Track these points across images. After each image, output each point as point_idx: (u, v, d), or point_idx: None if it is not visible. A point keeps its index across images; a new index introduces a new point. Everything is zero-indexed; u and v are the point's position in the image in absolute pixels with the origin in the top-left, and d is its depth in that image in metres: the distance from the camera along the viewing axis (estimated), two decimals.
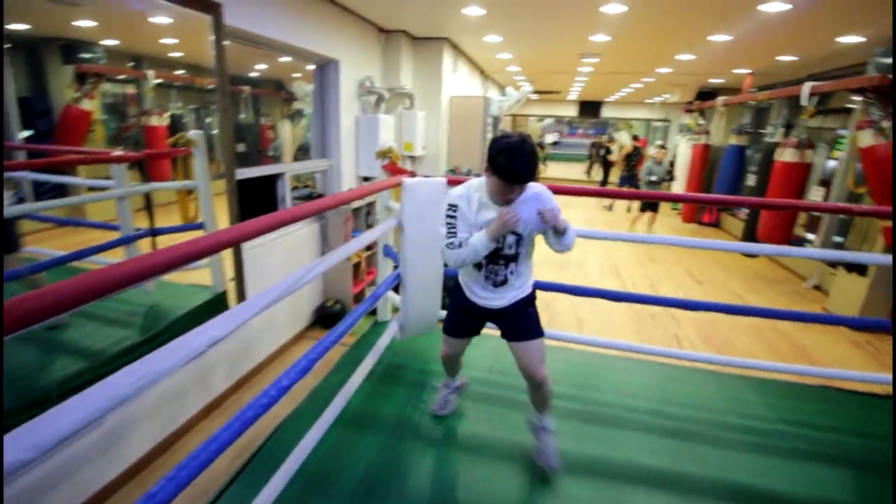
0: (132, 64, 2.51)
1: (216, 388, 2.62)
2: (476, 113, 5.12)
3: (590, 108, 14.73)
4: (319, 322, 3.66)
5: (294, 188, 3.80)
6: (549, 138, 18.15)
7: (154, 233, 2.51)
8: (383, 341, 2.37)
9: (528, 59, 6.02)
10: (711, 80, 7.53)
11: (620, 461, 1.75)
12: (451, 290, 1.72)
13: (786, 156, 4.85)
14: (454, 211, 1.48)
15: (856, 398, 2.34)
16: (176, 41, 2.62)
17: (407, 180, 2.30)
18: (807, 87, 4.57)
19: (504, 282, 1.58)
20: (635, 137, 11.81)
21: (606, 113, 14.98)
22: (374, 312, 3.08)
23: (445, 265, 1.99)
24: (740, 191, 6.67)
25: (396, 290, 2.66)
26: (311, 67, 3.60)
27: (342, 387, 1.90)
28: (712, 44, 4.40)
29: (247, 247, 2.72)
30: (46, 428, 0.70)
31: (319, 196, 3.72)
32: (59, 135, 2.18)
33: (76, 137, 2.27)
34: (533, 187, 1.49)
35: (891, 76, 3.64)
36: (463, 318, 1.73)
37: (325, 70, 3.61)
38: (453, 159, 5.32)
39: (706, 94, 8.23)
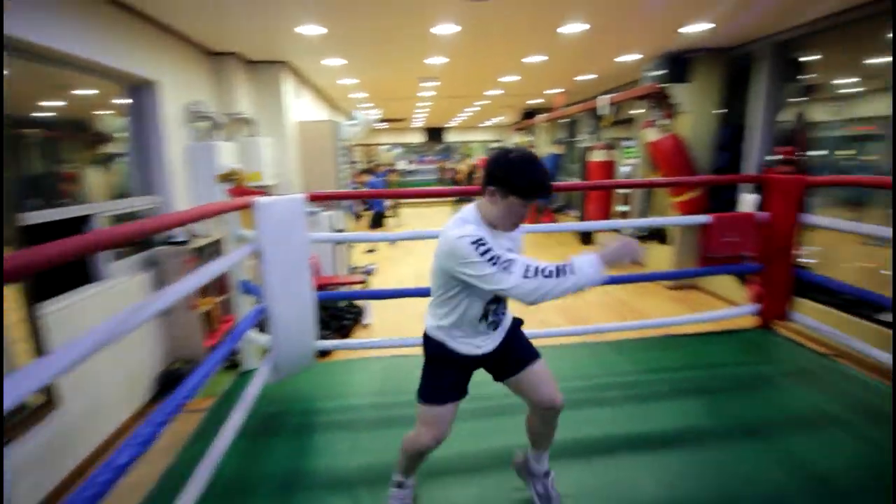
0: None
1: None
2: (326, 137, 4.96)
3: (434, 134, 15.70)
4: (167, 390, 3.01)
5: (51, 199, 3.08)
6: (402, 165, 18.76)
7: None
8: (252, 391, 2.03)
9: (373, 83, 6.12)
10: (531, 102, 8.67)
11: (518, 444, 1.70)
12: (432, 353, 1.35)
13: (595, 156, 5.81)
14: (483, 242, 1.14)
15: (687, 339, 2.86)
16: None
17: (260, 199, 2.06)
18: (602, 100, 5.56)
19: (499, 321, 1.35)
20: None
21: (450, 138, 16.13)
22: (234, 365, 2.67)
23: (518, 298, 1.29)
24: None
25: (262, 329, 2.34)
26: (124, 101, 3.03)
27: (204, 456, 1.55)
28: (528, 65, 5.05)
29: (51, 311, 2.10)
30: None
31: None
32: None
33: None
34: None
35: (660, 85, 4.63)
36: (451, 376, 1.34)
37: (140, 94, 3.08)
38: (309, 186, 5.04)
39: (530, 114, 9.45)
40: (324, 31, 3.38)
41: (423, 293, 2.28)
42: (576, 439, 1.80)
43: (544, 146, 8.92)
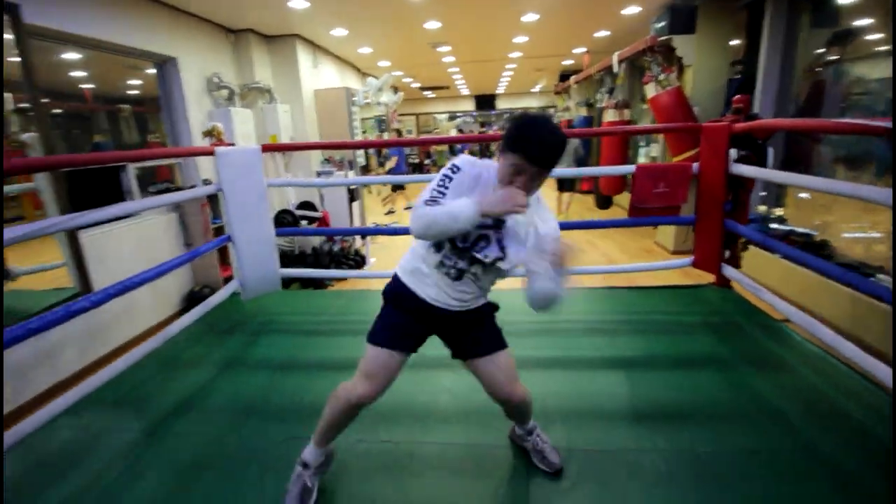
0: None
1: (65, 368, 2.75)
2: (339, 104, 5.48)
3: (484, 101, 15.69)
4: (191, 307, 3.82)
5: (153, 183, 3.95)
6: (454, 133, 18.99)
7: None
8: (215, 299, 2.64)
9: (387, 53, 6.51)
10: (565, 63, 8.50)
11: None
12: (389, 290, 1.28)
13: (608, 116, 5.73)
14: (454, 172, 1.13)
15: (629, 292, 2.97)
16: None
17: (219, 148, 2.61)
18: (614, 57, 5.46)
19: (460, 276, 1.18)
20: None
21: (501, 104, 16.01)
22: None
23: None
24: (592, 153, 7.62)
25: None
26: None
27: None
28: (529, 24, 5.12)
29: (85, 234, 2.88)
30: None
31: (177, 189, 3.89)
32: None
33: None
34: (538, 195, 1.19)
35: (662, 37, 4.50)
36: (404, 319, 1.24)
37: (165, 68, 3.80)
38: (326, 151, 5.65)
39: (566, 77, 9.24)
40: (307, 5, 3.85)
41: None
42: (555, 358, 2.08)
43: (576, 109, 8.74)
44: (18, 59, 2.53)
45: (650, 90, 4.63)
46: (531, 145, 1.05)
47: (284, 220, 4.73)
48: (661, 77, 4.52)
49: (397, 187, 8.19)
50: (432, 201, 1.09)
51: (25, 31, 2.48)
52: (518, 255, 1.16)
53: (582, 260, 2.74)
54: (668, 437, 1.53)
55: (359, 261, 4.91)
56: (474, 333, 1.27)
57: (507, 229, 1.16)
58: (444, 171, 1.15)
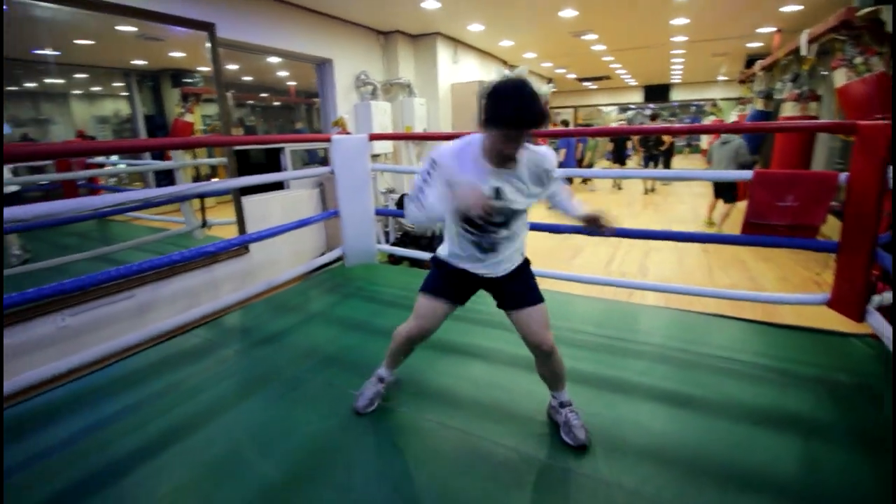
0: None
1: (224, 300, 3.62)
2: (470, 97, 5.71)
3: (656, 92, 14.13)
4: (322, 267, 4.57)
5: (306, 165, 4.80)
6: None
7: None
8: (319, 260, 3.16)
9: (531, 44, 6.44)
10: (750, 45, 7.12)
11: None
12: (437, 255, 1.51)
13: (786, 110, 4.65)
14: (433, 169, 1.27)
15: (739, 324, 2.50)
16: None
17: (335, 136, 3.07)
18: (802, 35, 4.39)
19: (493, 247, 1.38)
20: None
21: (678, 95, 14.21)
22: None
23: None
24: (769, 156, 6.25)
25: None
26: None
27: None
28: (680, 3, 4.48)
29: (246, 199, 3.71)
30: None
31: None
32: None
33: None
34: (538, 151, 1.32)
35: (865, 9, 3.47)
36: (452, 278, 1.46)
37: (322, 68, 4.55)
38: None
39: (752, 62, 7.72)
40: (438, 5, 4.11)
41: None
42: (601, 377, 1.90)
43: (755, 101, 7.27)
44: (228, 66, 3.40)
45: (839, 77, 3.63)
46: (510, 118, 1.15)
47: (404, 203, 5.22)
48: (858, 60, 3.50)
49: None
50: (418, 201, 1.29)
51: (219, 43, 3.31)
52: (522, 194, 1.33)
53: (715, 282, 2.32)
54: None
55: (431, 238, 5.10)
56: (514, 288, 1.45)
57: (507, 200, 1.31)
58: (425, 166, 1.30)
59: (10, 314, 2.30)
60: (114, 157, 3.57)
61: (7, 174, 2.77)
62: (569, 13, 4.70)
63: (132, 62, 3.35)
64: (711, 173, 4.87)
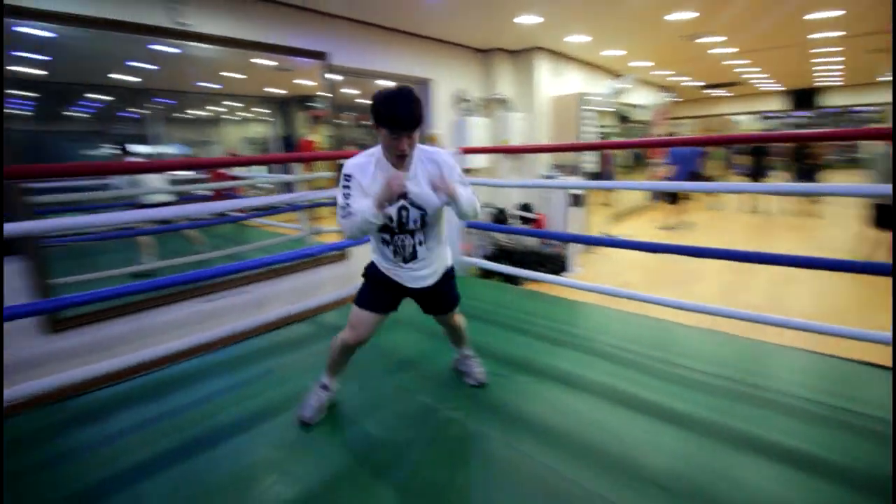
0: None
1: (320, 298, 4.00)
2: (571, 110, 5.55)
3: (803, 97, 12.18)
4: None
5: None
6: None
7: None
8: None
9: (641, 52, 6.05)
10: None
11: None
12: (368, 267, 1.63)
13: None
14: (348, 181, 1.41)
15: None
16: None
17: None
18: None
19: (414, 255, 1.50)
20: None
21: (833, 100, 12.10)
22: None
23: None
24: None
25: None
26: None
27: None
28: None
29: None
30: None
31: None
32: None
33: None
34: (432, 151, 1.46)
35: None
36: (381, 289, 1.58)
37: (423, 88, 4.83)
38: (556, 156, 5.84)
39: None
40: (539, 20, 4.10)
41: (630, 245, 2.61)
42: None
43: None
44: (348, 90, 3.83)
45: None
46: (395, 118, 1.31)
47: (498, 218, 5.25)
48: None
49: (669, 196, 6.89)
50: (346, 211, 1.39)
51: (333, 69, 3.73)
52: (431, 201, 1.42)
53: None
54: None
55: (557, 266, 4.95)
56: (439, 299, 1.65)
57: (414, 194, 1.41)
58: (341, 184, 1.43)
59: (161, 297, 2.84)
60: (255, 170, 4.26)
61: (161, 183, 3.46)
62: (684, 15, 4.34)
63: (272, 91, 3.95)
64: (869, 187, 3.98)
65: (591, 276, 4.87)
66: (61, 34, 2.96)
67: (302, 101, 4.03)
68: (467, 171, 4.97)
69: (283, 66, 3.80)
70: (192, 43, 3.15)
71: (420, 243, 1.49)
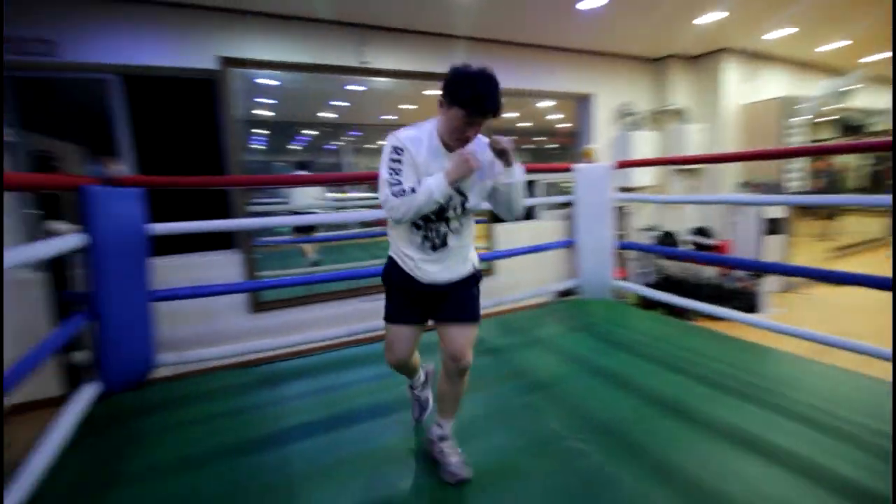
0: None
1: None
2: (769, 119, 4.60)
3: None
4: (564, 296, 4.54)
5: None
6: None
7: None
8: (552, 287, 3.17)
9: (877, 39, 4.69)
10: None
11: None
12: (386, 269, 1.44)
13: None
14: (399, 154, 1.24)
15: None
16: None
17: (576, 165, 3.08)
18: None
19: (444, 244, 1.33)
20: None
21: None
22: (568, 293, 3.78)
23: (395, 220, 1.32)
24: None
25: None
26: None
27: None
28: None
29: (498, 226, 4.13)
30: None
31: None
32: None
33: None
34: (477, 139, 1.30)
35: None
36: (405, 299, 1.41)
37: (583, 103, 4.64)
38: (748, 168, 4.92)
39: None
40: (723, 14, 3.56)
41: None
42: None
43: None
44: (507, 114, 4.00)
45: None
46: (479, 100, 1.15)
47: (665, 242, 4.64)
48: None
49: None
50: (400, 190, 1.20)
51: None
52: (475, 181, 1.29)
53: None
54: None
55: (744, 304, 4.11)
56: (457, 299, 1.37)
57: (481, 164, 1.25)
58: (388, 156, 1.24)
59: (329, 293, 3.30)
60: None
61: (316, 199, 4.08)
62: None
63: None
64: None
65: (793, 319, 3.87)
66: (283, 80, 3.76)
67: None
68: (627, 190, 4.59)
69: None
70: (373, 78, 3.66)
71: (455, 231, 1.34)
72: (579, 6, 3.29)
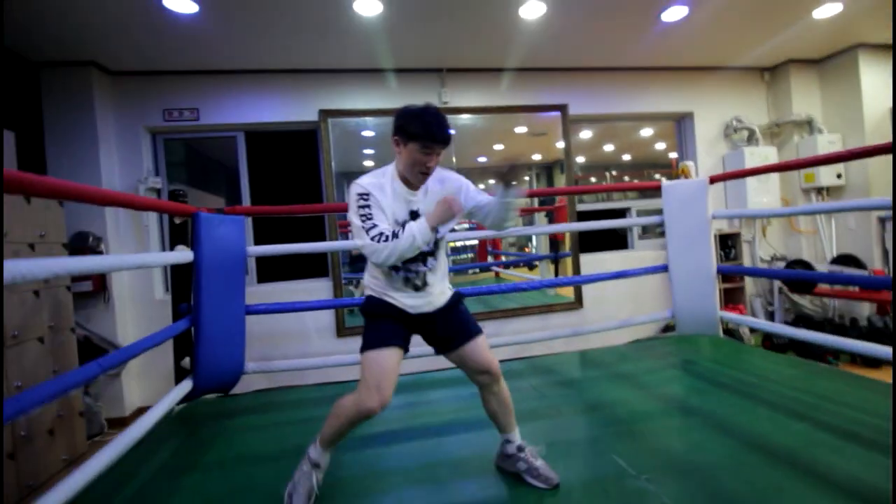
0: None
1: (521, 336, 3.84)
2: None
3: None
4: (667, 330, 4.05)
5: None
6: None
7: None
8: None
9: None
10: None
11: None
12: (366, 303, 1.39)
13: None
14: (366, 199, 1.24)
15: None
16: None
17: (665, 182, 2.82)
18: None
19: (424, 284, 1.34)
20: None
21: None
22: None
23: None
24: None
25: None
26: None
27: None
28: None
29: (584, 257, 3.90)
30: None
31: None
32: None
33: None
34: (439, 171, 1.34)
35: None
36: (392, 324, 1.33)
37: (681, 123, 4.28)
38: None
39: None
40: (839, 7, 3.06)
41: None
42: None
43: None
44: (606, 147, 3.90)
45: None
46: (430, 131, 1.21)
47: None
48: None
49: None
50: (378, 233, 1.20)
51: (571, 119, 3.80)
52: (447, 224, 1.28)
53: None
54: None
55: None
56: (452, 327, 1.37)
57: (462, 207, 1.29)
58: (355, 203, 1.24)
59: None
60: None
61: None
62: None
63: (533, 158, 4.33)
64: None
65: None
66: (376, 128, 4.12)
67: (559, 164, 4.14)
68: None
69: (533, 131, 4.13)
70: (461, 117, 3.83)
71: (432, 269, 1.36)
72: (663, 17, 3.12)
